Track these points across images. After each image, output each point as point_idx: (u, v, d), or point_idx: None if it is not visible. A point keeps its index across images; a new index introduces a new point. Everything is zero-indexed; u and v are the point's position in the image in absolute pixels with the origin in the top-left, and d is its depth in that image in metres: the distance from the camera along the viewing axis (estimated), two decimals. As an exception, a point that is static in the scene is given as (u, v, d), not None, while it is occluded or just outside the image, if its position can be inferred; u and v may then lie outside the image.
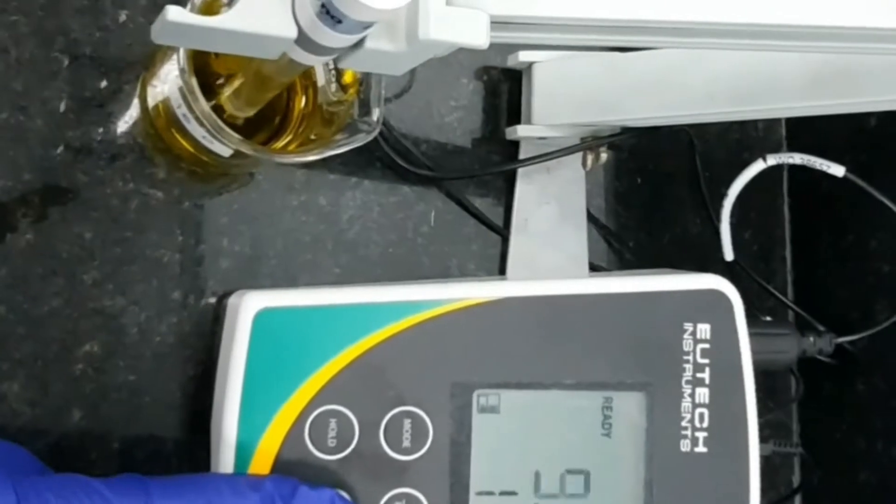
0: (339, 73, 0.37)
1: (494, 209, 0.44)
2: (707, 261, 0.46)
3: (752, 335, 0.39)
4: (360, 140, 0.32)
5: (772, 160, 0.41)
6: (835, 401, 0.47)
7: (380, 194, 0.41)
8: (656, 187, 0.47)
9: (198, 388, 0.38)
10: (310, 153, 0.32)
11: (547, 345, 0.37)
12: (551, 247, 0.44)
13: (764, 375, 0.41)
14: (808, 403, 0.48)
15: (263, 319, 0.35)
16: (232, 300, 0.37)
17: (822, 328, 0.43)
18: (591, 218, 0.45)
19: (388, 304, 0.36)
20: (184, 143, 0.36)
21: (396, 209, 0.42)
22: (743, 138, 0.49)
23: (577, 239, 0.44)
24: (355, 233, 0.41)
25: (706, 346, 0.38)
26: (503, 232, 0.43)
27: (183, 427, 0.37)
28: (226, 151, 0.33)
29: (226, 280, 0.38)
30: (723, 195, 0.44)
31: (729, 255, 0.43)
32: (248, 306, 0.35)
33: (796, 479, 0.48)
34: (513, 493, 0.37)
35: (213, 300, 0.38)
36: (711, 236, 0.46)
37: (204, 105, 0.30)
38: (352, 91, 0.34)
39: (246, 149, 0.31)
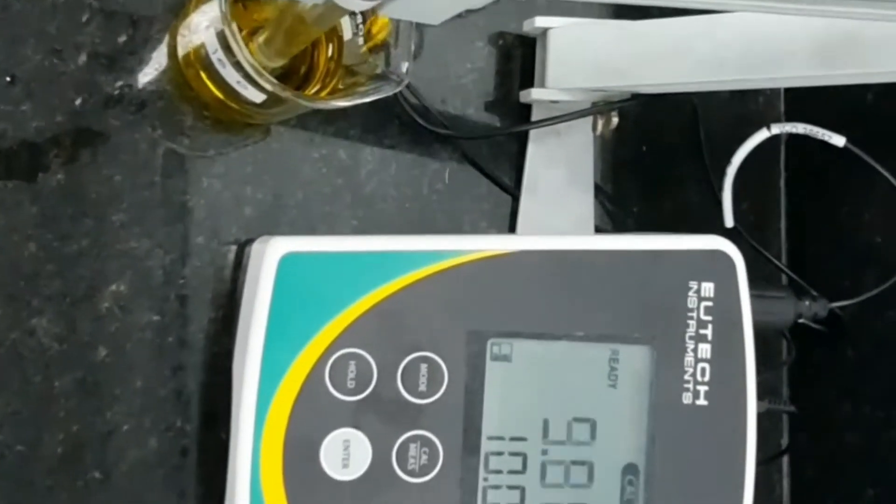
0: (364, 28, 0.38)
1: (506, 170, 0.45)
2: (706, 230, 0.47)
3: (751, 297, 0.41)
4: (388, 90, 0.33)
5: (776, 129, 0.43)
6: (824, 366, 0.49)
7: (397, 151, 0.43)
8: (660, 157, 0.49)
9: (218, 330, 0.39)
10: (340, 99, 0.33)
11: (558, 298, 0.39)
12: (559, 208, 0.45)
13: (758, 338, 0.42)
14: (798, 368, 0.50)
15: (288, 263, 0.37)
16: (257, 245, 0.38)
17: (816, 294, 0.45)
18: (596, 184, 0.47)
19: (407, 253, 0.37)
20: (214, 90, 0.36)
21: (413, 166, 0.43)
22: (744, 112, 0.51)
23: (584, 201, 0.46)
24: (373, 187, 0.42)
25: (709, 303, 0.40)
26: (514, 192, 0.45)
27: (204, 368, 0.38)
28: (258, 97, 0.34)
29: (247, 227, 0.39)
30: (723, 166, 0.46)
31: (730, 221, 0.45)
32: (273, 250, 0.36)
33: (784, 441, 0.50)
34: (522, 439, 0.38)
35: (234, 246, 0.39)
36: (711, 206, 0.47)
37: (244, 48, 0.31)
38: (378, 41, 0.35)
39: (281, 92, 0.32)
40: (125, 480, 0.37)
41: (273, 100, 0.34)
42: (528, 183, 0.45)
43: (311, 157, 0.41)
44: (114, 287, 0.37)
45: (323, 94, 0.36)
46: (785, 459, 0.50)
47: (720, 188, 0.46)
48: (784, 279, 0.48)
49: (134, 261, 0.37)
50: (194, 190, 0.39)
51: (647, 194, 0.48)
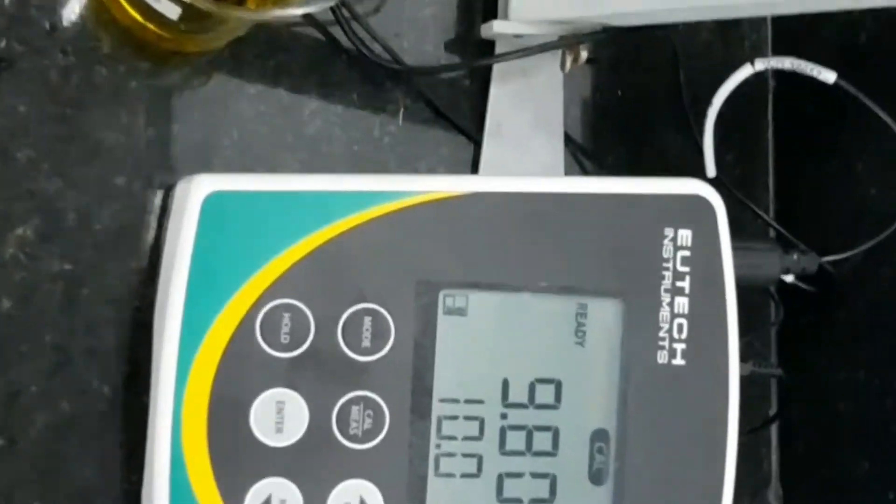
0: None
1: (467, 112, 0.41)
2: (687, 182, 0.44)
3: (733, 249, 0.37)
4: (324, 3, 0.30)
5: (760, 65, 0.39)
6: (814, 329, 0.45)
7: (345, 88, 0.39)
8: (637, 103, 0.45)
9: (140, 283, 0.35)
10: (268, 12, 0.29)
11: (519, 245, 0.35)
12: (525, 154, 0.41)
13: (741, 298, 0.39)
14: (786, 332, 0.46)
15: (214, 203, 0.32)
16: (181, 184, 0.34)
17: (805, 248, 0.41)
18: (566, 133, 0.43)
19: (351, 193, 0.33)
20: (130, 9, 0.33)
21: (362, 105, 0.39)
22: (728, 56, 0.47)
23: (552, 147, 0.42)
24: (317, 128, 0.38)
25: (686, 253, 0.36)
26: (475, 136, 0.41)
27: (123, 323, 0.34)
28: (173, 12, 0.30)
29: (175, 169, 0.35)
30: (706, 113, 0.43)
31: (711, 171, 0.41)
32: (197, 188, 0.32)
33: (772, 411, 0.47)
34: (478, 402, 0.34)
35: (160, 191, 0.35)
36: (692, 156, 0.44)
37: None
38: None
39: (196, 2, 0.28)
40: (33, 448, 0.33)
41: (192, 16, 0.30)
42: (490, 126, 0.41)
43: (246, 94, 0.37)
44: (19, 231, 0.33)
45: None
46: (773, 430, 0.46)
47: (701, 134, 0.43)
48: (771, 234, 0.45)
49: (42, 202, 0.33)
50: (113, 125, 0.35)
51: (622, 143, 0.45)
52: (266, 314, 0.33)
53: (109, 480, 0.34)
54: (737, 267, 0.37)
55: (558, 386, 0.35)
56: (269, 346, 0.33)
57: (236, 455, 0.32)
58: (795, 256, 0.40)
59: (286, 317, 0.33)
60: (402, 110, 0.39)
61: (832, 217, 0.45)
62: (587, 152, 0.43)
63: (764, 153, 0.47)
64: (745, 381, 0.37)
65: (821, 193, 0.46)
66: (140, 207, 0.35)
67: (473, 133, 0.41)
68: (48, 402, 0.33)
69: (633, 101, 0.45)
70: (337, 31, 0.38)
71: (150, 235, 0.35)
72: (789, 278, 0.42)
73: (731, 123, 0.45)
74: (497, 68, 0.41)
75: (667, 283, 0.36)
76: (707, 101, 0.43)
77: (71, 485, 0.34)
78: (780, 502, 0.47)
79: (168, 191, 0.35)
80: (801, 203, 0.46)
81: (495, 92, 0.41)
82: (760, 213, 0.42)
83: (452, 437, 0.34)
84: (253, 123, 0.37)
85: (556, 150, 0.42)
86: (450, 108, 0.40)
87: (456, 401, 0.34)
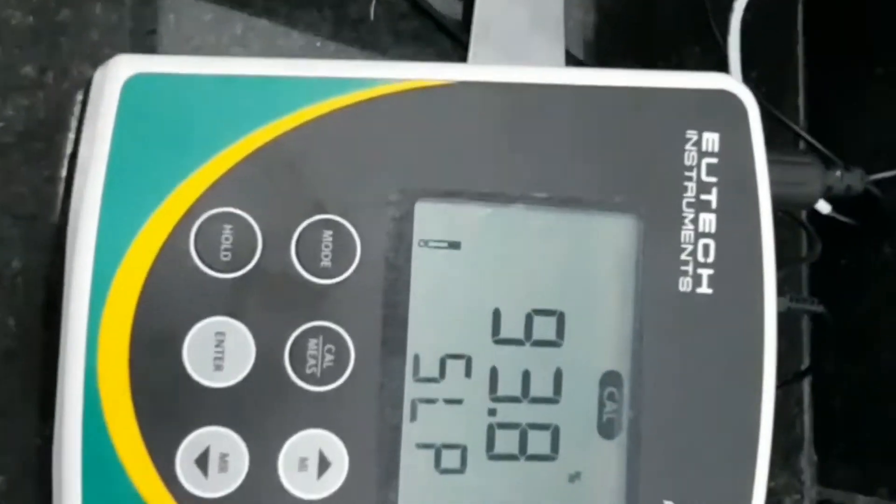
0: None
1: (452, 8, 0.35)
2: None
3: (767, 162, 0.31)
4: None
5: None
6: (856, 268, 0.39)
7: (306, -26, 0.33)
8: (648, 7, 0.39)
9: (53, 194, 0.29)
10: None
11: (513, 148, 0.29)
12: (518, 59, 0.36)
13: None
14: (822, 271, 0.40)
15: (136, 89, 0.26)
16: (98, 70, 0.28)
17: (848, 166, 0.35)
18: (570, 38, 0.37)
19: (308, 80, 0.27)
20: None
21: (327, -6, 0.33)
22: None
23: (551, 54, 0.36)
24: (273, 18, 0.32)
25: (713, 160, 0.30)
26: (461, 38, 0.35)
27: (34, 244, 0.28)
28: None
29: (96, 57, 0.29)
30: (728, 21, 0.37)
31: (737, 74, 0.35)
32: (115, 71, 0.26)
33: (805, 363, 0.41)
34: (464, 337, 0.29)
35: (80, 90, 0.29)
36: (713, 69, 0.38)
37: None
38: None
39: None
40: (-80, 393, 0.27)
41: None
42: (478, 28, 0.35)
43: (188, -27, 0.31)
44: None
45: None
46: (805, 387, 0.41)
47: (725, 41, 0.37)
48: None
49: (-70, 92, 0.28)
50: (20, 3, 0.29)
51: (633, 54, 0.39)
52: (201, 226, 0.26)
53: (16, 434, 0.28)
54: (770, 184, 0.31)
55: (560, 319, 0.29)
56: (206, 264, 0.26)
57: (165, 399, 0.26)
58: (839, 173, 0.34)
59: (227, 229, 0.27)
60: (373, 2, 0.33)
61: (872, 137, 0.39)
62: (594, 62, 0.37)
63: (793, 70, 0.41)
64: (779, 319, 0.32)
65: (858, 112, 0.40)
66: (55, 104, 0.29)
67: (459, 33, 0.35)
68: (-61, 337, 0.28)
69: (645, 7, 0.39)
70: None
71: (69, 138, 0.29)
72: (825, 209, 0.37)
73: (756, 36, 0.39)
74: (487, -44, 0.35)
75: (689, 196, 0.30)
76: (729, 7, 0.37)
77: (-34, 438, 0.28)
78: (814, 469, 0.41)
79: (89, 85, 0.29)
80: (836, 124, 0.40)
81: (485, -16, 0.35)
82: (794, 126, 0.36)
83: (432, 379, 0.28)
84: (194, 9, 0.31)
85: (556, 59, 0.36)
86: (431, 4, 0.34)
87: (437, 334, 0.28)
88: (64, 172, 0.29)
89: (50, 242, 0.29)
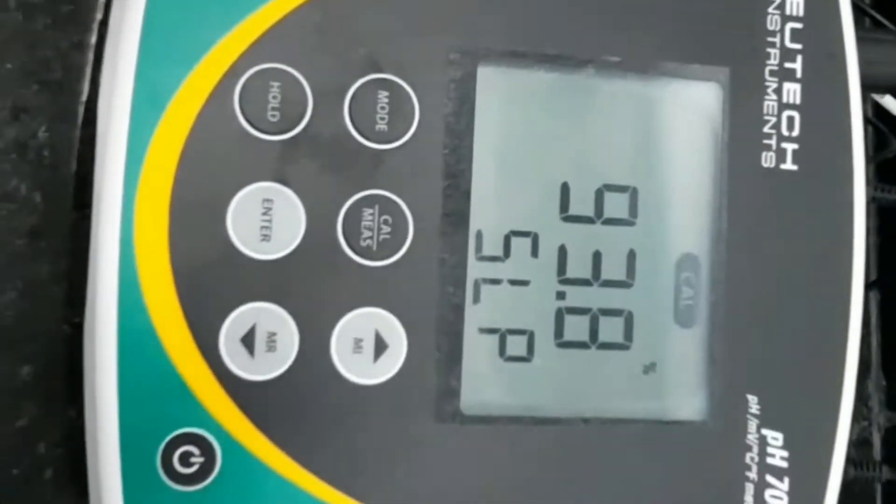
0: None
1: None
2: None
3: (849, 40, 0.29)
4: None
5: None
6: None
7: None
8: None
9: (82, 62, 0.27)
10: None
11: (584, 7, 0.26)
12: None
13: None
14: (882, 173, 0.38)
15: (175, -68, 0.24)
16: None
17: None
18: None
19: (359, -75, 0.25)
20: None
21: None
22: None
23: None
24: None
25: (797, 25, 0.28)
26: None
27: (61, 112, 0.26)
28: None
29: (129, -85, 0.27)
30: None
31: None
32: (152, -89, 0.24)
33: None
34: (530, 212, 0.26)
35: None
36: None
37: None
38: None
39: None
40: (-60, 271, 0.25)
41: None
42: None
43: None
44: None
45: None
46: (872, 303, 0.38)
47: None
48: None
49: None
50: None
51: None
52: (247, 83, 0.24)
53: (41, 318, 0.26)
54: (854, 62, 0.29)
55: (633, 195, 0.27)
56: (252, 125, 0.24)
57: (208, 272, 0.24)
58: (923, 54, 0.32)
59: (274, 87, 0.24)
60: None
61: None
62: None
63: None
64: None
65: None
66: (82, -34, 0.27)
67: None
68: (-41, 211, 0.25)
69: None
70: None
71: (100, 2, 0.27)
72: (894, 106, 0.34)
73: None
74: None
75: (773, 63, 0.27)
76: None
77: (-9, 322, 0.26)
78: (883, 394, 0.39)
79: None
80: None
81: None
82: (867, 7, 0.34)
83: (496, 258, 0.26)
84: None
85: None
86: None
87: (501, 208, 0.26)
88: (94, 39, 0.27)
89: (75, 113, 0.27)
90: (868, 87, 0.31)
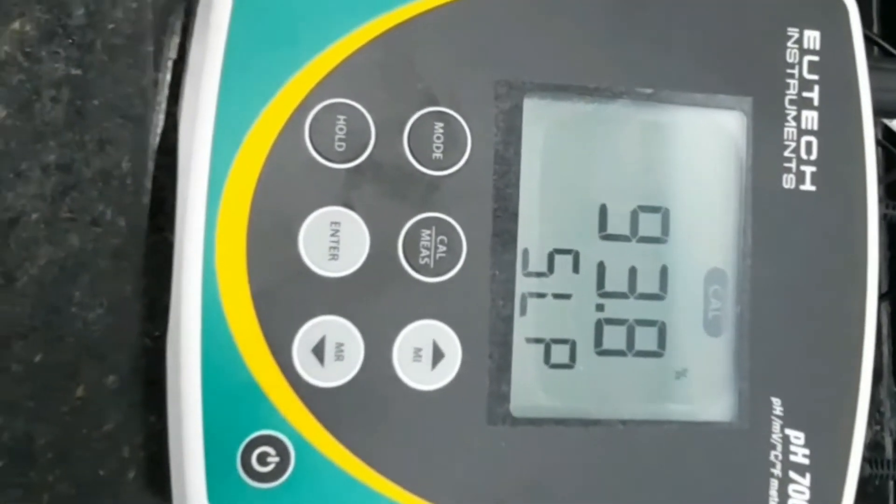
0: None
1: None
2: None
3: (862, 68, 0.31)
4: None
5: None
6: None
7: None
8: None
9: (163, 96, 0.29)
10: None
11: (619, 43, 0.29)
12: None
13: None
14: (892, 192, 0.40)
15: (251, -19, 0.27)
16: (209, -34, 0.28)
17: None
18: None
19: (416, -27, 0.28)
20: None
21: None
22: None
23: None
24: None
25: (815, 58, 0.30)
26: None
27: (142, 144, 0.28)
28: None
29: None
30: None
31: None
32: (231, -37, 0.27)
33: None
34: (572, 231, 0.29)
35: (184, -6, 0.30)
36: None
37: None
38: None
39: None
40: (35, 288, 0.27)
41: None
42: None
43: None
44: (16, 26, 0.27)
45: None
46: (883, 312, 0.40)
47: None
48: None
49: (44, -8, 0.28)
50: None
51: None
52: (316, 116, 0.27)
53: (125, 332, 0.28)
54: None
55: (665, 215, 0.29)
56: (321, 154, 0.27)
57: (282, 288, 0.26)
58: (930, 82, 0.34)
59: (341, 120, 0.27)
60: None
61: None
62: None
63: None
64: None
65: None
66: (161, 7, 0.29)
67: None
68: (52, 234, 0.27)
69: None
70: None
71: (175, 42, 0.30)
72: (905, 129, 0.37)
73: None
74: None
75: (792, 92, 0.30)
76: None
77: (79, 335, 0.28)
78: (894, 400, 0.41)
79: (194, -11, 0.30)
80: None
81: None
82: (876, 38, 0.36)
83: (541, 274, 0.28)
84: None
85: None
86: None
87: (545, 228, 0.29)
88: (168, 77, 0.29)
89: (154, 145, 0.29)
90: (879, 113, 0.33)
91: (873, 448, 0.41)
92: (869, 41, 0.36)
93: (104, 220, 0.28)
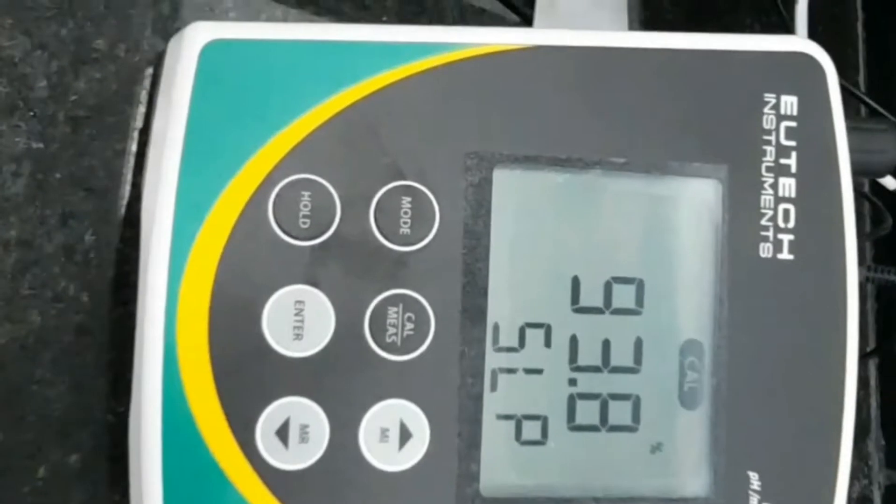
0: None
1: (514, -17, 0.35)
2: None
3: (843, 129, 0.31)
4: None
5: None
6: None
7: (370, -53, 0.33)
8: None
9: (123, 168, 0.29)
10: None
11: (591, 113, 0.28)
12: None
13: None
14: (884, 247, 0.39)
15: (213, 55, 0.26)
16: (173, 39, 0.27)
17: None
18: (631, 12, 0.37)
19: (384, 45, 0.27)
20: None
21: (391, -32, 0.33)
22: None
23: (614, 27, 0.36)
24: (338, -8, 0.32)
25: (792, 124, 0.29)
26: (525, 11, 0.35)
27: (105, 217, 0.28)
28: None
29: (166, 30, 0.29)
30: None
31: (802, 32, 0.35)
32: (193, 37, 0.26)
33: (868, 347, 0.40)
34: (543, 304, 0.28)
35: (149, 55, 0.29)
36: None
37: None
38: None
39: None
40: (-5, 367, 0.27)
41: None
42: (542, 2, 0.35)
43: (254, -54, 0.31)
44: (-24, 99, 0.27)
45: None
46: (872, 368, 0.40)
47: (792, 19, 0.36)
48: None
49: (5, 66, 0.27)
50: (91, -24, 0.29)
51: (695, 22, 0.38)
52: (280, 193, 0.26)
53: (88, 408, 0.28)
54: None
55: (640, 286, 0.29)
56: (285, 232, 0.26)
57: (245, 369, 0.25)
58: (913, 141, 0.33)
59: (305, 196, 0.26)
60: (438, -25, 0.33)
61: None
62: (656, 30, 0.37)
63: (853, 40, 0.41)
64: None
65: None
66: (126, 77, 0.29)
67: (523, 9, 0.35)
68: (13, 311, 0.27)
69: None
70: None
71: (139, 112, 0.29)
72: (892, 184, 0.36)
73: (813, 16, 0.38)
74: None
75: (769, 159, 0.29)
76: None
77: (41, 414, 0.27)
78: (883, 453, 0.41)
79: (160, 58, 0.29)
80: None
81: (547, -43, 0.35)
82: (862, 95, 0.35)
83: (512, 349, 0.28)
84: (261, -17, 0.31)
85: (619, 30, 0.36)
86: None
87: (516, 302, 0.28)
88: (134, 146, 0.29)
89: (119, 217, 0.29)
90: (862, 173, 0.33)
91: (862, 502, 0.41)
92: (855, 98, 0.36)
93: (67, 295, 0.27)
